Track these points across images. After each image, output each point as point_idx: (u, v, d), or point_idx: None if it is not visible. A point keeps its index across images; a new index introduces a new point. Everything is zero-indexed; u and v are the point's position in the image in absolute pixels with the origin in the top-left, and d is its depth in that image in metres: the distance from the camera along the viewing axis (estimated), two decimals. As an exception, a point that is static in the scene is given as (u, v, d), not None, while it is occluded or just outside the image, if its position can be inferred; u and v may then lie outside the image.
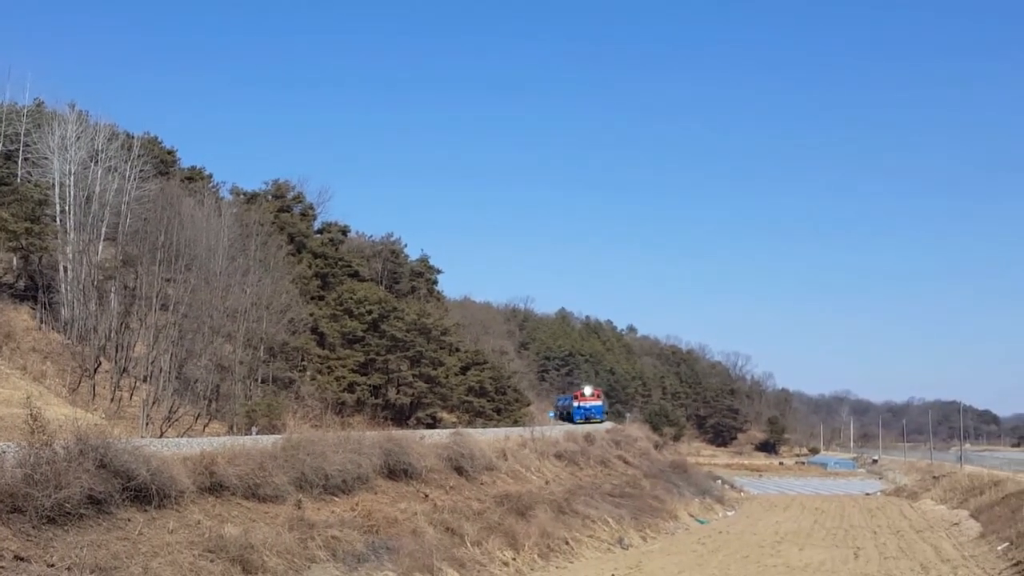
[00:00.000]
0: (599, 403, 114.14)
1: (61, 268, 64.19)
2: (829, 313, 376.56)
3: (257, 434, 46.40)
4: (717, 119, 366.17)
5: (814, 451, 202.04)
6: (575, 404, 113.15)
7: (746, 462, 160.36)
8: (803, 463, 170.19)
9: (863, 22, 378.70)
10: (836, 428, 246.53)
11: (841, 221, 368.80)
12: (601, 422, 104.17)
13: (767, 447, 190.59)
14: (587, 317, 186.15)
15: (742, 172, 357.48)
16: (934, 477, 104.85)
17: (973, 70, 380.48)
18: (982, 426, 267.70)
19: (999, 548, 51.14)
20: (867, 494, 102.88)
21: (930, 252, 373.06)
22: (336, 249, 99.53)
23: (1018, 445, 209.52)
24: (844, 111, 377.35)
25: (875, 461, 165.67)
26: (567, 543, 48.89)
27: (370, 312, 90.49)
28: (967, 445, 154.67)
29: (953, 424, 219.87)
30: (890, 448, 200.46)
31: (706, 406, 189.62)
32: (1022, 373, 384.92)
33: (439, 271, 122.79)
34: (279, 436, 42.29)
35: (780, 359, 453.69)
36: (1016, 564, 44.89)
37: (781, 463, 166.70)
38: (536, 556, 44.82)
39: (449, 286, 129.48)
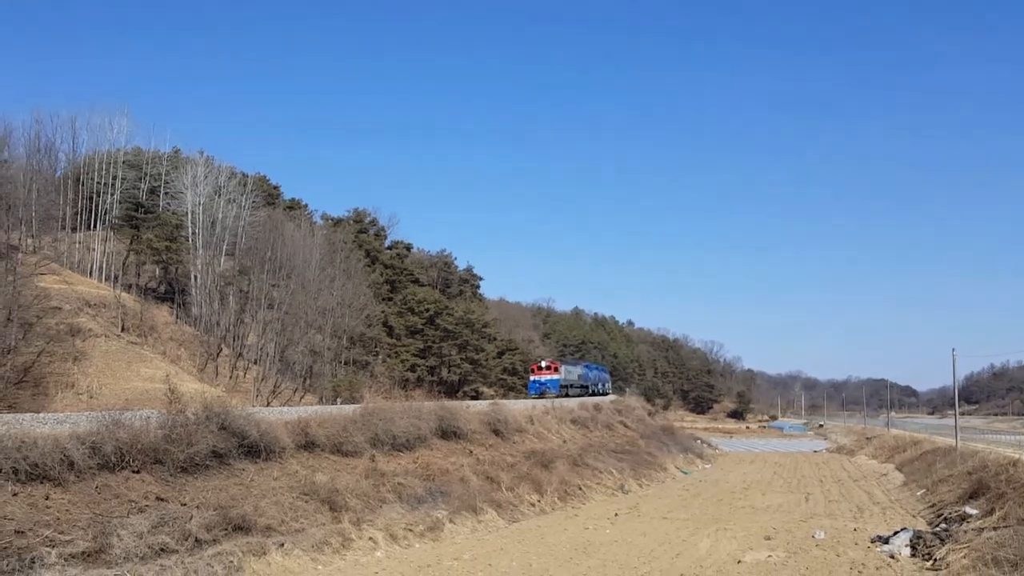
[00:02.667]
0: (556, 376, 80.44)
1: (192, 276, 64.77)
2: (785, 309, 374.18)
3: (341, 404, 46.58)
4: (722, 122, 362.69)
5: (773, 418, 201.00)
6: (531, 378, 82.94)
7: (720, 426, 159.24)
8: (765, 427, 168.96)
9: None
10: (790, 400, 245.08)
11: (792, 238, 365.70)
12: (555, 395, 75.93)
13: (736, 414, 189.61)
14: (595, 313, 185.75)
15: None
16: (867, 438, 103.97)
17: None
18: (905, 398, 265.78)
19: (918, 493, 50.93)
20: (815, 451, 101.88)
21: (864, 259, 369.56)
22: (402, 261, 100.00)
23: (932, 413, 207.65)
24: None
25: (821, 426, 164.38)
26: (580, 489, 48.87)
27: (427, 310, 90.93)
28: (893, 413, 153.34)
29: (882, 397, 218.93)
30: (833, 415, 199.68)
31: (688, 382, 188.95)
32: (936, 356, 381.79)
33: (481, 278, 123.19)
34: (357, 405, 42.43)
35: (746, 345, 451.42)
36: (931, 505, 44.73)
37: (747, 427, 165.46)
38: (556, 499, 44.86)
39: (488, 289, 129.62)
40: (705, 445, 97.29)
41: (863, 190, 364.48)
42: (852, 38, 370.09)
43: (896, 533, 34.22)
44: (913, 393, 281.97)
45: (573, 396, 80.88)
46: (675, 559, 30.13)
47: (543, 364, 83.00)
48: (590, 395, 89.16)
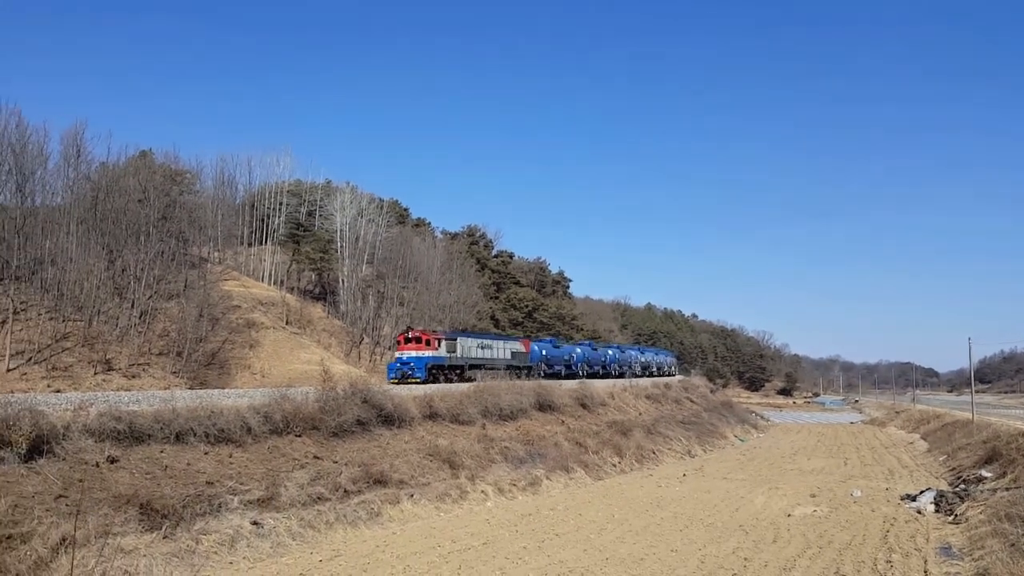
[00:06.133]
0: (427, 354, 44.68)
1: (340, 281, 66.16)
2: (826, 302, 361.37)
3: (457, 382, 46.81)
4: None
5: (816, 395, 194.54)
6: (396, 353, 46.94)
7: (771, 401, 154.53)
8: (809, 402, 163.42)
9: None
10: (831, 380, 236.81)
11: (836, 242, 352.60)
12: (420, 381, 42.74)
13: (785, 392, 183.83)
14: (665, 307, 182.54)
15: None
16: (896, 412, 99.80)
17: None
18: (927, 379, 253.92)
19: (940, 459, 48.87)
20: (851, 423, 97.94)
21: (894, 255, 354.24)
22: (506, 267, 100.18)
23: (951, 391, 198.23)
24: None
25: (857, 401, 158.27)
26: (654, 453, 48.13)
27: (527, 306, 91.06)
28: (918, 391, 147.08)
29: (908, 377, 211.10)
30: (866, 393, 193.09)
31: (743, 365, 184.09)
32: (955, 343, 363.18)
33: (570, 280, 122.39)
34: (471, 384, 42.69)
35: (793, 333, 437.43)
36: (952, 469, 42.87)
37: (794, 402, 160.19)
38: (634, 461, 44.26)
39: (576, 288, 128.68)
40: (758, 417, 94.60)
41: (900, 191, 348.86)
42: None
43: (922, 492, 33.10)
44: (935, 374, 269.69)
45: (542, 377, 55.30)
46: (735, 512, 29.35)
47: (409, 335, 45.73)
48: (603, 377, 68.93)
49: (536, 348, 60.35)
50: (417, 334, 45.81)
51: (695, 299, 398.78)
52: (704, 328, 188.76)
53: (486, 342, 53.24)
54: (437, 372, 45.73)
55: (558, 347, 66.40)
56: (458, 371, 47.77)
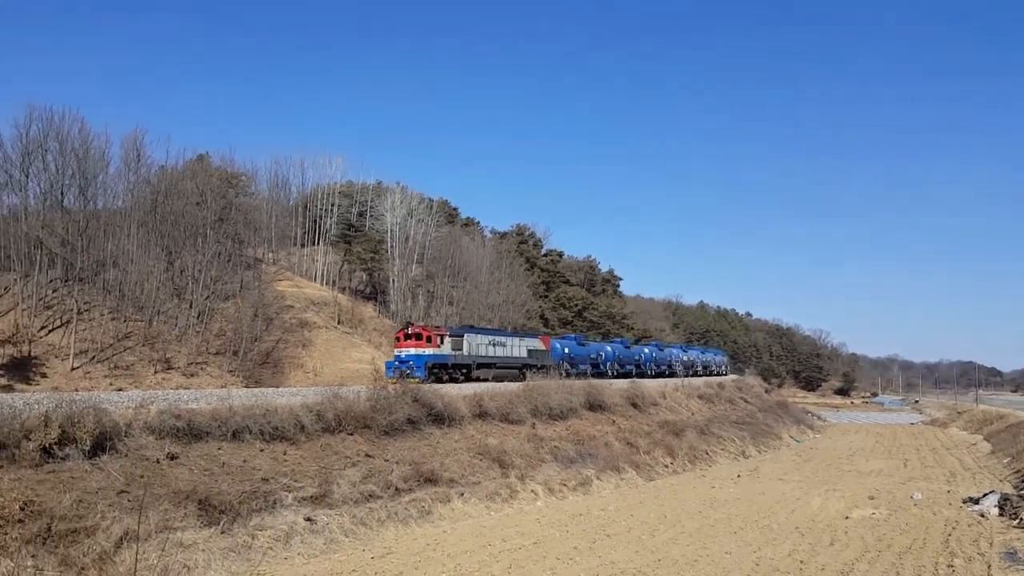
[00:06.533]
0: (427, 351, 41.21)
1: (391, 280, 66.82)
2: (885, 299, 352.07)
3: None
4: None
5: (874, 394, 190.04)
6: (394, 351, 43.38)
7: (827, 401, 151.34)
8: (867, 402, 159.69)
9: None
10: (889, 379, 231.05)
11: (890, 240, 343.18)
12: (419, 380, 37.66)
13: (842, 391, 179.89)
14: (718, 306, 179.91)
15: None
16: (958, 413, 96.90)
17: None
18: (990, 378, 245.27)
19: (1004, 461, 47.34)
20: (911, 424, 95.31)
21: (952, 249, 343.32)
22: (555, 266, 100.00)
23: (1015, 391, 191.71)
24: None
25: (917, 401, 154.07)
26: (707, 453, 47.52)
27: (576, 305, 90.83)
28: (980, 391, 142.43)
29: (970, 377, 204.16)
30: (927, 393, 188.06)
31: (799, 364, 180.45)
32: (1019, 339, 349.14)
33: (620, 278, 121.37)
34: (520, 384, 42.68)
35: (851, 332, 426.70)
36: (1017, 471, 41.56)
37: (852, 402, 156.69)
38: (686, 461, 43.77)
39: (626, 287, 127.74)
40: (815, 418, 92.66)
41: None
42: None
43: (985, 495, 32.08)
44: (998, 373, 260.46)
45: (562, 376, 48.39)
46: (791, 514, 28.83)
47: (409, 331, 42.45)
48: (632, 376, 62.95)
49: (558, 346, 56.62)
50: (417, 330, 42.42)
51: (749, 297, 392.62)
52: (758, 327, 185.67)
53: (499, 339, 49.35)
54: (440, 372, 41.97)
55: (583, 345, 62.13)
56: (464, 371, 43.64)
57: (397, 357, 41.60)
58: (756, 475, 41.55)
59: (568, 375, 51.53)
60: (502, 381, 43.49)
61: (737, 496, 33.32)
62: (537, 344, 53.39)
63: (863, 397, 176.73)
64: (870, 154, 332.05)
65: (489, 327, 58.93)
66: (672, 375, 73.19)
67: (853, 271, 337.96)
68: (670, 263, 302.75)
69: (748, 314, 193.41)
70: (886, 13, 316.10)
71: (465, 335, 44.92)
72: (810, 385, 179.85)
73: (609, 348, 66.08)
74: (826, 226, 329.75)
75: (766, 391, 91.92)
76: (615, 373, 62.69)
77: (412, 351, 41.22)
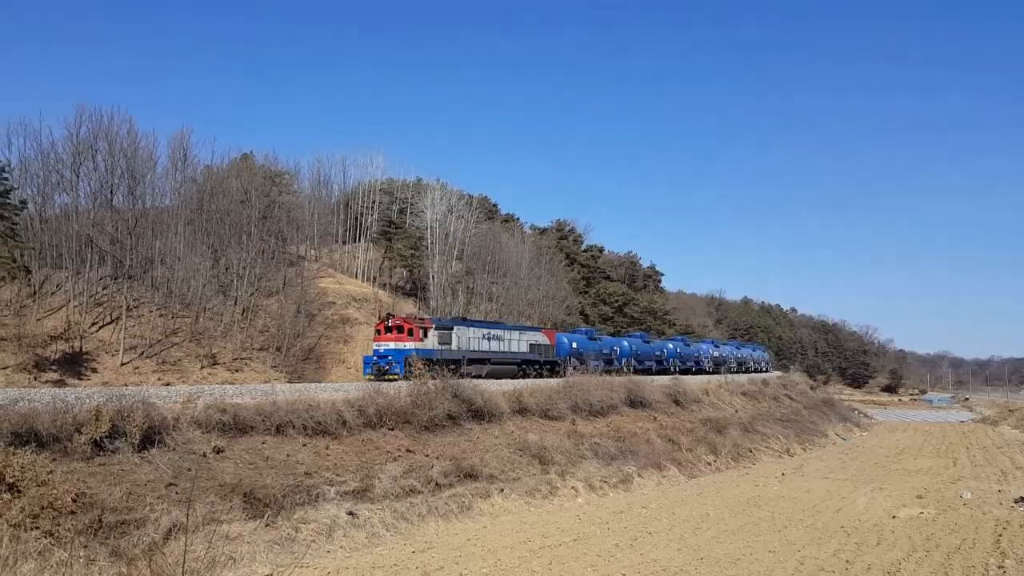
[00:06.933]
0: (408, 345, 37.23)
1: (431, 276, 67.08)
2: (934, 295, 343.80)
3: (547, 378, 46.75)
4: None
5: (923, 392, 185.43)
6: (373, 345, 39.94)
7: (874, 399, 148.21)
8: (915, 400, 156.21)
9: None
10: (938, 376, 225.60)
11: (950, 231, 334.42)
12: (399, 377, 35.47)
13: (889, 389, 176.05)
14: (762, 301, 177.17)
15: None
16: (1010, 410, 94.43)
17: None
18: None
19: (1060, 461, 45.90)
20: (961, 422, 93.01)
21: (999, 245, 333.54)
22: (595, 261, 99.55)
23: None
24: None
25: (967, 399, 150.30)
26: (750, 451, 46.97)
27: (617, 301, 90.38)
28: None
29: (1023, 374, 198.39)
30: (977, 390, 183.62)
31: (845, 361, 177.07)
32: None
33: (662, 273, 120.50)
34: (560, 379, 42.62)
35: (898, 328, 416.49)
36: (1072, 473, 40.23)
37: (899, 399, 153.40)
38: (730, 459, 43.33)
39: (668, 282, 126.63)
40: (861, 415, 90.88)
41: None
42: None
43: (1039, 495, 31.17)
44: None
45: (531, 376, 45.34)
46: (836, 513, 28.37)
47: (389, 323, 38.85)
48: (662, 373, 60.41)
49: (565, 340, 52.49)
50: (398, 321, 38.91)
51: (794, 293, 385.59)
52: (804, 323, 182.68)
53: (495, 332, 45.19)
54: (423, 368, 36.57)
55: (595, 339, 58.32)
56: (453, 367, 38.05)
57: (375, 351, 38.46)
58: (801, 473, 40.95)
59: (576, 372, 48.57)
60: (498, 379, 40.26)
61: (781, 494, 32.89)
62: (540, 338, 49.66)
63: (911, 394, 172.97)
64: (922, 147, 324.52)
65: (485, 319, 55.18)
66: (700, 372, 70.28)
67: (901, 266, 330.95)
68: (713, 258, 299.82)
69: (793, 310, 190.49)
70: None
71: (455, 328, 41.56)
72: (856, 382, 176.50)
73: (626, 343, 62.49)
74: (872, 220, 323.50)
75: (811, 388, 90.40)
76: (632, 371, 57.98)
77: (392, 345, 37.96)
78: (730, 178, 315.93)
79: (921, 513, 28.32)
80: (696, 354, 74.16)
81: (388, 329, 38.43)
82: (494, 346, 44.10)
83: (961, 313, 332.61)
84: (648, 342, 67.04)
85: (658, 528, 24.53)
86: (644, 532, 23.80)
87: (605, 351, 57.58)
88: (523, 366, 45.56)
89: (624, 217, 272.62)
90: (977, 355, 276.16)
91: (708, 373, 70.03)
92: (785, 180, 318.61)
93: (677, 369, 66.51)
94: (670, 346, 70.39)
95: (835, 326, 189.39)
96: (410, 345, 37.39)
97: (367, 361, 38.85)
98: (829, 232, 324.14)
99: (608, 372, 50.10)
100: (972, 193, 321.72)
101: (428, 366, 36.43)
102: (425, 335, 38.57)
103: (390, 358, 37.33)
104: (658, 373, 60.58)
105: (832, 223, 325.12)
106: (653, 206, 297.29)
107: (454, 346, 40.42)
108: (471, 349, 41.89)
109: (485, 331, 44.25)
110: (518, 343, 46.34)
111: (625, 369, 56.76)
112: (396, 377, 35.84)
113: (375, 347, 38.84)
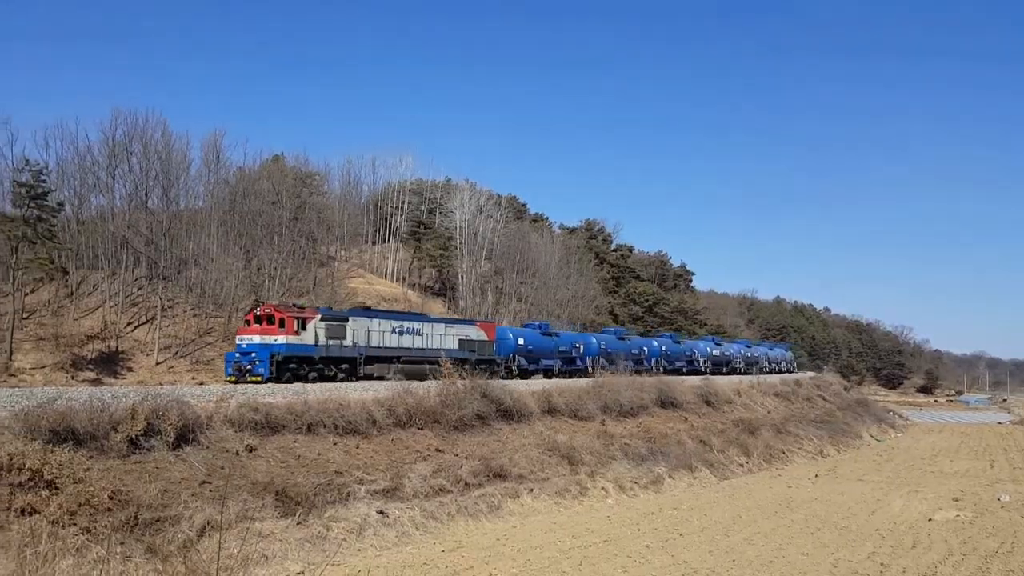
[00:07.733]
0: (279, 340, 30.87)
1: (460, 276, 67.41)
2: (971, 294, 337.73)
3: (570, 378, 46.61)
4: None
5: (959, 392, 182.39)
6: (236, 339, 32.73)
7: (910, 400, 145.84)
8: (951, 401, 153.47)
9: None
10: (975, 377, 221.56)
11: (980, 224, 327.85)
12: (262, 380, 29.97)
13: (925, 390, 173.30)
14: (795, 301, 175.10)
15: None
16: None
17: None
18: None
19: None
20: (999, 423, 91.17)
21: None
22: (625, 261, 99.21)
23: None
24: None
25: (1004, 400, 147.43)
26: (783, 453, 46.41)
27: (647, 301, 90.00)
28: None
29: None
30: (1015, 391, 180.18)
31: (880, 361, 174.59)
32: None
33: (693, 273, 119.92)
34: (590, 379, 42.48)
35: (935, 328, 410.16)
36: (1118, 477, 39.16)
37: (935, 400, 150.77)
38: (762, 460, 42.86)
39: (699, 282, 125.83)
40: (896, 416, 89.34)
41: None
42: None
43: (1082, 499, 30.44)
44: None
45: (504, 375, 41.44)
46: (871, 516, 27.97)
47: (258, 312, 32.26)
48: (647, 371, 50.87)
49: (510, 336, 45.44)
50: (268, 310, 31.96)
51: (828, 293, 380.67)
52: (837, 323, 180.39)
53: (410, 325, 38.33)
54: (297, 367, 31.98)
55: (624, 339, 53.58)
56: (345, 366, 33.89)
57: (238, 347, 31.95)
58: (834, 475, 40.43)
59: (523, 372, 44.36)
60: (412, 380, 32.38)
61: (815, 496, 32.50)
62: (475, 333, 42.40)
63: (947, 395, 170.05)
64: (952, 144, 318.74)
65: (399, 311, 47.23)
66: (732, 372, 68.28)
67: (937, 266, 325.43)
68: (745, 258, 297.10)
69: (827, 309, 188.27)
70: None
71: (350, 319, 35.04)
72: (891, 383, 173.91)
73: (656, 343, 58.92)
74: (908, 219, 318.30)
75: (845, 388, 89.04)
76: (662, 371, 54.37)
77: (256, 340, 31.16)
78: (763, 177, 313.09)
79: (958, 516, 27.84)
80: (727, 354, 72.75)
81: (258, 319, 31.73)
82: (405, 342, 37.62)
83: (998, 313, 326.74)
84: (678, 342, 66.01)
85: (689, 530, 24.37)
86: (675, 534, 23.66)
87: (635, 351, 55.83)
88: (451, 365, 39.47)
89: (654, 216, 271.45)
90: (1015, 355, 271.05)
91: (740, 374, 68.87)
92: (820, 179, 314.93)
93: (708, 370, 65.20)
94: (700, 346, 69.19)
95: (869, 326, 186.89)
96: (280, 339, 31.22)
97: (228, 359, 32.36)
98: (864, 231, 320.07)
99: (638, 372, 47.21)
100: (1011, 191, 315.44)
101: (306, 363, 32.09)
102: (302, 327, 32.05)
103: (253, 355, 30.87)
104: (689, 374, 58.97)
105: (867, 222, 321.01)
106: (684, 205, 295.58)
107: (349, 341, 34.31)
108: (372, 345, 35.66)
109: (396, 323, 37.68)
110: (443, 338, 39.83)
111: (655, 369, 54.50)
112: (259, 379, 30.09)
113: (238, 341, 32.27)
